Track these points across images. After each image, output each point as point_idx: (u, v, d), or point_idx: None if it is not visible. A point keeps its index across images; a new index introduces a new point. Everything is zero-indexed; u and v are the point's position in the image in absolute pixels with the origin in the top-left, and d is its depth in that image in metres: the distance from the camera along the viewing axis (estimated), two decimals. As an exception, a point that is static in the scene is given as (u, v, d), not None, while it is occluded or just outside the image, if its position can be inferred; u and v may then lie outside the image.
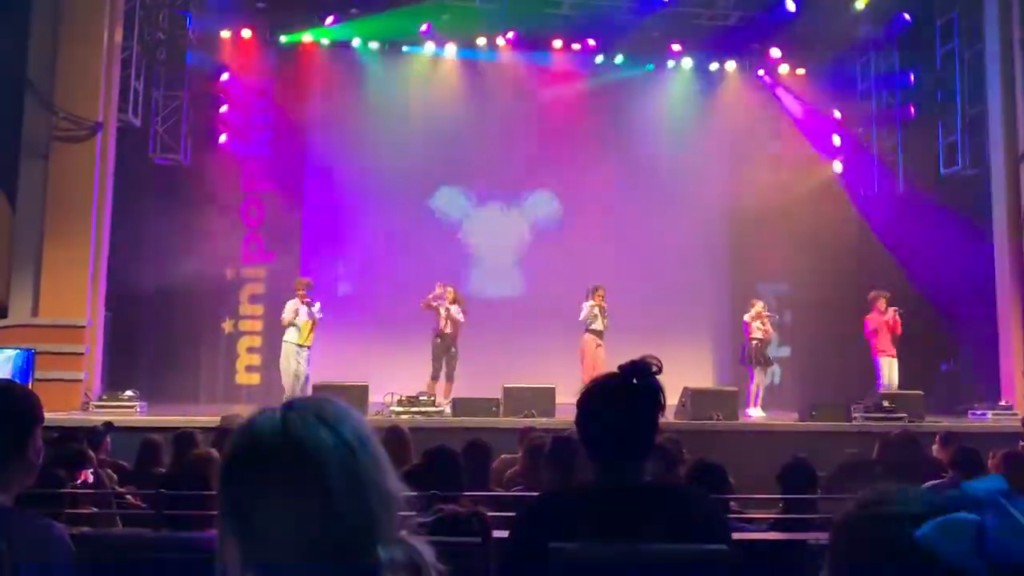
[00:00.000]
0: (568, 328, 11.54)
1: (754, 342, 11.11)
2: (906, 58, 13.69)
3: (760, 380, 11.13)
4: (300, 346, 10.49)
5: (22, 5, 10.20)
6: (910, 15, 13.16)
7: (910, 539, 0.92)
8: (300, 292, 10.59)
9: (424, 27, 13.20)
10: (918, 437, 6.03)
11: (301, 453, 1.08)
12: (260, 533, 1.07)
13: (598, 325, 11.02)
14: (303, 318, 10.48)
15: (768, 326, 11.22)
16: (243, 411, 7.60)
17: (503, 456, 6.20)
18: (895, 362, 11.01)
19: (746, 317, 11.24)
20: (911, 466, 5.31)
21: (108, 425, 6.83)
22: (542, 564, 2.02)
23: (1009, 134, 11.75)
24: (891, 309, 11.01)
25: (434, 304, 11.14)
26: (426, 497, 3.40)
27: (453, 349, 11.17)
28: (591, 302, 11.03)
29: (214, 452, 5.07)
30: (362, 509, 1.09)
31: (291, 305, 10.57)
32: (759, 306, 11.29)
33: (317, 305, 10.64)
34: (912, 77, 13.59)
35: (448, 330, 11.11)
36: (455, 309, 11.14)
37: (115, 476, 5.64)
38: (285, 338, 10.56)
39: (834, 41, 13.59)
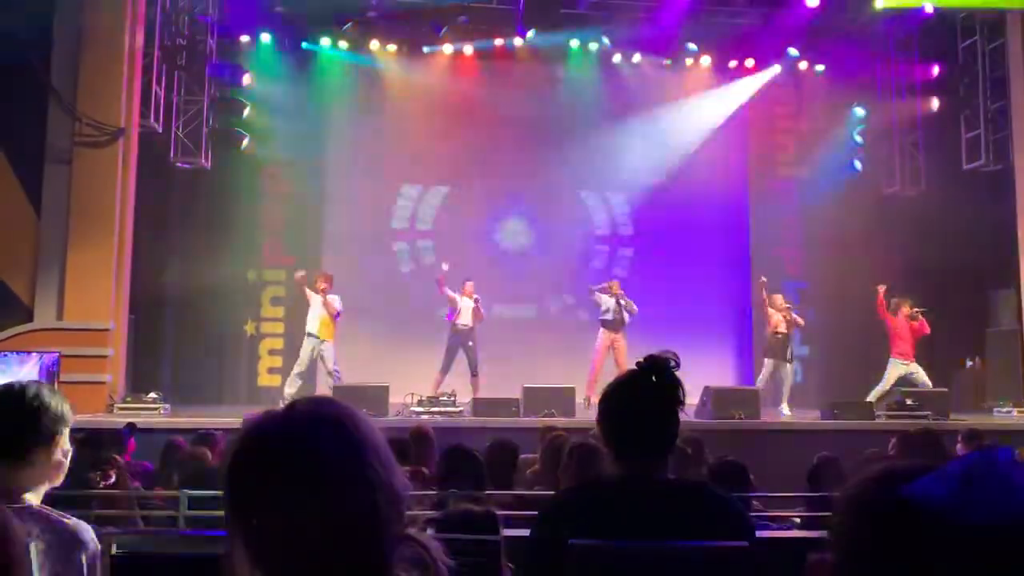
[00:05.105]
0: (587, 327, 11.52)
1: (778, 335, 11.04)
2: (927, 53, 13.56)
3: (784, 375, 11.02)
4: (319, 338, 10.52)
5: (45, 12, 10.31)
6: (931, 8, 13.03)
7: (897, 495, 0.91)
8: (320, 286, 10.61)
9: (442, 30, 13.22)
10: (940, 435, 5.96)
11: (304, 454, 1.09)
12: (265, 533, 1.07)
13: (609, 316, 11.20)
14: (319, 310, 10.51)
15: (794, 317, 11.12)
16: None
17: (522, 456, 6.20)
18: (911, 366, 10.71)
19: (771, 309, 11.17)
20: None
21: (131, 426, 6.90)
22: (563, 561, 2.03)
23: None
24: (914, 310, 10.82)
25: (458, 296, 11.18)
26: (442, 495, 3.40)
27: (471, 343, 11.20)
28: (608, 295, 11.28)
29: (204, 451, 5.18)
30: (368, 508, 1.09)
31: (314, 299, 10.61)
32: (779, 300, 11.23)
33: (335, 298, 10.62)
34: (933, 72, 13.46)
35: (470, 323, 11.16)
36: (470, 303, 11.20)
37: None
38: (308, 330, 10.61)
39: (854, 37, 13.47)
